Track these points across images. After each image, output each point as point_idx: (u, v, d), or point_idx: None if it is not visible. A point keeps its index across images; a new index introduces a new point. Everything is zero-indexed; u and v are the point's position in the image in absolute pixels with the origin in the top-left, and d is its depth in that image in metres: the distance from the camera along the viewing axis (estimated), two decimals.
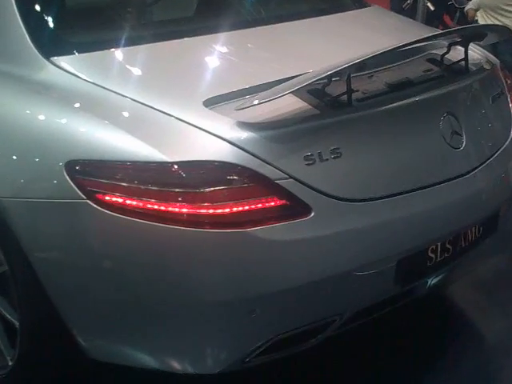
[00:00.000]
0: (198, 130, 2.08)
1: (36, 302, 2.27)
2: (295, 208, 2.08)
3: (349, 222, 2.15)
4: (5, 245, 2.30)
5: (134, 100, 2.18)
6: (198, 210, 2.01)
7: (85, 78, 2.30)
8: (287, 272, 2.08)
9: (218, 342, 2.17)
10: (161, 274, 2.06)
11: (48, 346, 2.35)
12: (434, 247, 2.36)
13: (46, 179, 2.15)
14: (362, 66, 2.25)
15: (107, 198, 2.05)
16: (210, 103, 2.16)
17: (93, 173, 2.08)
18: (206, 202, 2.02)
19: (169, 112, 2.13)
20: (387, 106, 2.31)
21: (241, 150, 2.05)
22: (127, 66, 2.45)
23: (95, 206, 2.05)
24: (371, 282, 2.23)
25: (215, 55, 2.54)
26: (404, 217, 2.25)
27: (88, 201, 2.06)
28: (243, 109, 2.10)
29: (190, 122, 2.10)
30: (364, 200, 2.18)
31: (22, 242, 2.20)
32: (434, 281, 2.50)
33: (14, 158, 2.23)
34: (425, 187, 2.31)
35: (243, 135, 2.07)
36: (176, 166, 2.03)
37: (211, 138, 2.07)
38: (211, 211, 2.02)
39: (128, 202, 2.04)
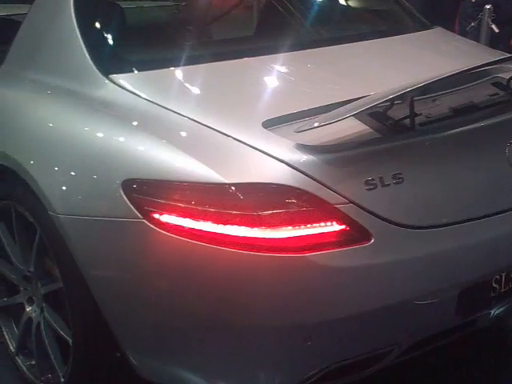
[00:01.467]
0: (256, 151, 2.05)
1: (89, 320, 2.25)
2: (355, 234, 2.03)
3: (410, 249, 2.08)
4: (60, 261, 2.30)
5: (193, 119, 2.16)
6: (255, 233, 1.97)
7: (143, 96, 2.29)
8: (345, 300, 2.02)
9: (271, 368, 2.11)
10: (215, 298, 2.02)
11: (100, 364, 2.33)
12: (498, 277, 2.27)
13: (103, 197, 2.13)
14: (425, 89, 2.19)
15: (164, 217, 2.02)
16: (269, 125, 2.12)
17: (150, 192, 2.06)
18: (263, 225, 1.97)
19: (227, 132, 2.10)
20: (451, 131, 2.24)
21: (300, 173, 2.01)
22: (186, 85, 2.44)
23: (151, 225, 2.03)
24: (431, 312, 2.15)
25: (275, 76, 2.51)
26: (467, 245, 2.17)
27: (144, 220, 2.04)
28: (303, 131, 2.05)
29: (249, 143, 2.06)
30: (426, 227, 2.11)
31: (77, 259, 2.19)
32: (498, 312, 2.40)
33: (72, 174, 2.22)
34: (489, 215, 2.23)
35: (302, 158, 2.03)
36: (233, 188, 1.99)
37: (270, 159, 2.03)
38: (269, 235, 1.97)
39: (184, 222, 2.00)
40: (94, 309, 2.20)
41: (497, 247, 2.24)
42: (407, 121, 2.18)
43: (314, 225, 2.00)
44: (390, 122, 2.20)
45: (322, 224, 2.00)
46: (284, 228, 1.98)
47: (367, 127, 2.18)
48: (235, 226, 1.98)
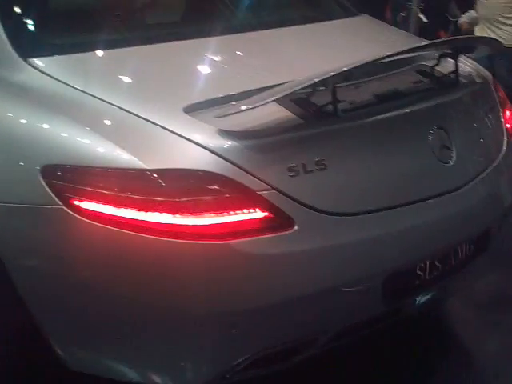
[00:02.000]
0: (177, 137, 2.01)
1: (10, 307, 2.18)
2: (278, 221, 2.01)
3: (333, 236, 2.07)
4: None
5: (114, 105, 2.11)
6: (177, 221, 1.93)
7: (64, 80, 2.22)
8: (269, 287, 2.00)
9: (197, 356, 2.09)
10: (137, 286, 1.98)
11: (23, 353, 2.26)
12: (422, 265, 2.28)
13: (22, 183, 2.07)
14: (348, 75, 2.17)
15: (84, 204, 1.97)
16: (191, 110, 2.08)
17: (69, 178, 2.00)
18: (185, 212, 1.94)
19: (149, 118, 2.06)
20: (374, 118, 2.24)
21: (222, 159, 1.98)
22: (108, 70, 2.37)
23: (71, 212, 1.97)
24: (356, 299, 2.15)
25: (200, 60, 2.46)
26: (391, 232, 2.17)
27: (64, 207, 1.98)
28: (225, 116, 2.02)
29: (170, 128, 2.03)
30: (349, 214, 2.10)
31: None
32: (423, 299, 2.42)
33: None
34: (413, 202, 2.23)
35: (224, 144, 2.00)
36: (155, 174, 1.95)
37: (191, 145, 2.00)
38: (191, 222, 1.94)
39: (105, 209, 1.96)
40: (14, 296, 2.13)
41: (421, 234, 2.24)
42: (330, 107, 2.17)
43: (236, 212, 1.97)
44: (313, 108, 2.18)
45: (245, 211, 1.98)
46: (206, 215, 1.95)
47: (290, 113, 2.16)
48: (157, 213, 1.94)
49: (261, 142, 2.03)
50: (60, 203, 1.98)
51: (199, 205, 1.95)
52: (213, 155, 1.98)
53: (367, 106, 2.27)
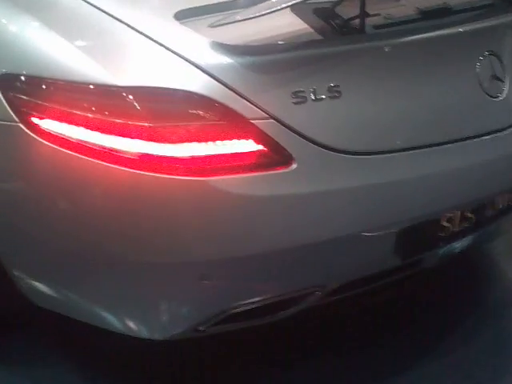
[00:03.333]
0: (160, 48, 1.66)
1: None
2: (273, 156, 1.67)
3: (341, 178, 1.73)
4: None
5: (92, 4, 1.76)
6: (149, 149, 1.62)
7: None
8: (253, 235, 1.68)
9: (167, 305, 1.81)
10: (97, 223, 1.69)
11: None
12: (450, 216, 1.93)
13: None
14: None
15: (43, 123, 1.67)
16: (184, 16, 1.73)
17: (29, 91, 1.69)
18: (160, 139, 1.61)
19: (130, 23, 1.71)
20: (412, 37, 1.84)
21: (210, 78, 1.63)
22: None
23: (28, 131, 1.68)
24: (362, 252, 1.82)
25: None
26: (413, 178, 1.82)
27: (20, 124, 1.68)
28: (221, 25, 1.66)
29: (153, 37, 1.68)
30: (363, 153, 1.75)
31: None
32: (448, 251, 2.07)
33: None
34: (445, 143, 1.86)
35: (216, 59, 1.65)
36: (128, 93, 1.62)
37: (176, 59, 1.65)
38: (166, 152, 1.62)
39: (66, 130, 1.65)
40: None
41: (451, 181, 1.88)
42: (357, 21, 1.78)
43: (223, 143, 1.64)
44: (338, 21, 1.81)
45: (234, 142, 1.65)
46: (185, 144, 1.62)
47: (306, 26, 1.79)
48: (126, 139, 1.62)
49: (261, 59, 1.68)
50: (16, 119, 1.68)
51: (177, 132, 1.62)
52: (199, 72, 1.63)
53: (406, 22, 1.88)
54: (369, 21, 1.82)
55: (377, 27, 1.83)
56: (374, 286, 1.99)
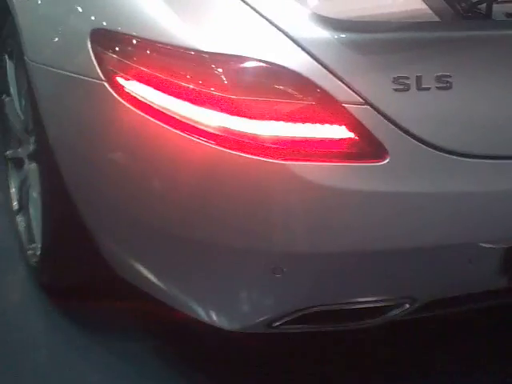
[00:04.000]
0: (259, 17, 1.53)
1: (55, 191, 1.90)
2: (364, 147, 1.50)
3: (441, 181, 1.53)
4: (33, 116, 1.94)
5: None
6: (231, 124, 1.49)
7: None
8: (331, 231, 1.52)
9: (235, 295, 1.68)
10: (169, 193, 1.59)
11: (68, 246, 1.98)
12: None
13: (72, 49, 1.71)
14: None
15: (127, 83, 1.58)
16: None
17: (118, 49, 1.61)
18: (240, 114, 1.48)
19: None
20: None
21: (305, 54, 1.48)
22: None
23: (112, 91, 1.59)
24: (459, 266, 1.61)
25: None
26: None
27: (105, 83, 1.60)
28: None
29: (253, 5, 1.54)
30: (470, 156, 1.53)
31: (44, 117, 1.82)
32: None
33: (50, 18, 1.81)
34: None
35: (314, 34, 1.49)
36: (215, 60, 1.50)
37: (272, 30, 1.51)
38: (245, 128, 1.48)
39: (149, 94, 1.55)
40: (59, 181, 1.84)
41: None
42: (484, 5, 1.57)
43: (309, 125, 1.49)
44: (463, 3, 1.59)
45: (321, 127, 1.49)
46: (268, 122, 1.48)
47: (425, 5, 1.59)
48: (208, 110, 1.50)
49: (363, 37, 1.50)
50: (103, 77, 1.60)
51: (262, 108, 1.48)
52: (294, 46, 1.49)
53: None
54: (502, 7, 1.60)
55: (510, 15, 1.60)
56: (473, 308, 1.76)
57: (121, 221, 1.76)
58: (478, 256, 1.61)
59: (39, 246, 2.09)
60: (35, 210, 2.13)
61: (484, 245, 1.59)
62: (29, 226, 2.22)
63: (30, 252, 2.18)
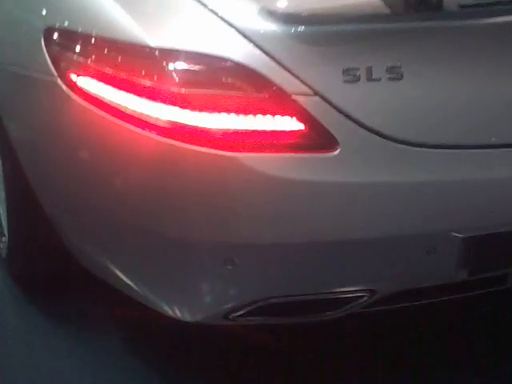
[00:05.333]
0: (204, 9, 1.54)
1: (16, 182, 1.92)
2: (315, 138, 1.50)
3: (392, 171, 1.53)
4: None
5: None
6: (180, 117, 1.49)
7: None
8: (282, 222, 1.51)
9: (191, 287, 1.67)
10: (121, 186, 1.60)
11: (33, 240, 2.00)
12: None
13: (27, 47, 1.74)
14: None
15: (80, 80, 1.59)
16: None
17: (69, 46, 1.62)
18: (190, 107, 1.49)
19: None
20: (500, 19, 1.59)
21: (253, 46, 1.49)
22: None
23: (64, 87, 1.60)
24: (415, 258, 1.61)
25: None
26: (484, 179, 1.58)
27: (58, 79, 1.61)
28: None
29: None
30: (420, 145, 1.53)
31: (2, 115, 1.84)
32: None
33: (2, 19, 1.83)
34: None
35: (261, 26, 1.50)
36: (162, 54, 1.50)
37: (218, 22, 1.52)
38: (194, 121, 1.49)
39: (100, 89, 1.56)
40: (22, 178, 1.85)
41: None
42: None
43: (259, 117, 1.49)
44: None
45: (271, 118, 1.49)
46: (216, 115, 1.49)
47: None
48: (157, 104, 1.51)
49: (312, 29, 1.51)
50: (55, 74, 1.61)
51: (209, 101, 1.48)
52: (241, 38, 1.49)
53: (502, 3, 1.63)
54: None
55: (463, 6, 1.60)
56: (435, 301, 1.75)
57: (82, 216, 1.77)
58: (436, 247, 1.60)
59: (7, 239, 2.10)
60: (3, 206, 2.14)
61: (441, 235, 1.59)
62: None
63: (1, 245, 2.19)
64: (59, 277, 2.09)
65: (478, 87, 1.57)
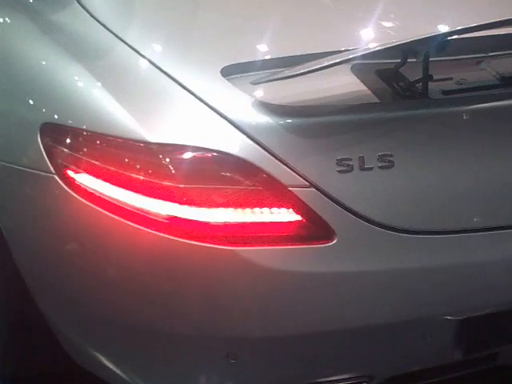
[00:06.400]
0: (201, 105, 1.56)
1: (8, 278, 1.88)
2: (312, 229, 1.52)
3: (388, 259, 1.55)
4: None
5: (142, 55, 1.69)
6: (176, 212, 1.50)
7: (100, 18, 1.82)
8: (284, 314, 1.53)
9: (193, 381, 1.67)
10: (119, 283, 1.60)
11: (26, 338, 1.96)
12: None
13: (22, 141, 1.72)
14: (447, 43, 1.60)
15: (78, 177, 1.59)
16: (230, 72, 1.62)
17: (67, 142, 1.63)
18: (188, 202, 1.50)
19: (174, 76, 1.62)
20: (487, 105, 1.64)
21: (249, 140, 1.51)
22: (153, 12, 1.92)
23: (63, 184, 1.60)
24: (413, 342, 1.63)
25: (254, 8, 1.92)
26: (478, 262, 1.61)
27: (55, 176, 1.61)
28: (265, 82, 1.55)
29: (196, 93, 1.58)
30: (415, 232, 1.56)
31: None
32: None
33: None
34: None
35: (257, 120, 1.53)
36: (160, 150, 1.52)
37: (214, 117, 1.54)
38: (194, 216, 1.50)
39: (99, 186, 1.57)
40: (15, 273, 1.82)
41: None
42: (423, 84, 1.62)
43: (257, 210, 1.51)
44: (401, 83, 1.65)
45: (269, 211, 1.51)
46: (214, 210, 1.50)
47: (364, 87, 1.65)
48: (156, 200, 1.52)
49: (305, 121, 1.54)
50: (53, 171, 1.62)
51: (209, 195, 1.50)
52: (237, 132, 1.52)
53: (481, 88, 1.69)
54: (438, 85, 1.66)
55: (446, 92, 1.66)
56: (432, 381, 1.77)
57: (77, 311, 1.75)
58: (432, 330, 1.62)
59: None
60: None
61: (436, 319, 1.61)
62: None
63: None
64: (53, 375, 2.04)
65: (465, 172, 1.61)
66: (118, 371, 1.76)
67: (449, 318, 1.61)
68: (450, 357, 1.68)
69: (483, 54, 1.79)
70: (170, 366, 1.66)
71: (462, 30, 1.55)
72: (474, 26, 1.57)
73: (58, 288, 1.74)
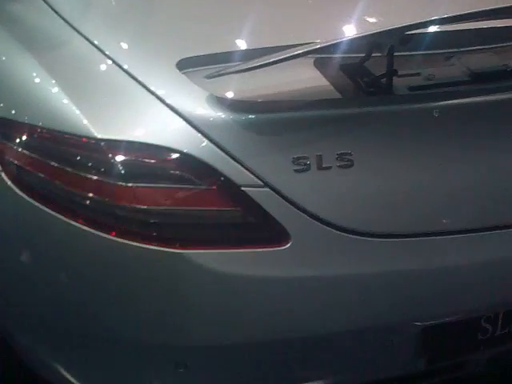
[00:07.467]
0: (151, 98, 1.48)
1: None
2: (265, 231, 1.44)
3: (346, 262, 1.47)
4: None
5: (98, 48, 1.61)
6: (119, 211, 1.42)
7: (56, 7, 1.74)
8: (234, 321, 1.45)
9: None
10: (70, 291, 1.51)
11: None
12: (490, 316, 1.62)
13: None
14: (413, 36, 1.52)
15: (21, 172, 1.52)
16: (186, 66, 1.53)
17: (8, 135, 1.54)
18: (133, 201, 1.42)
19: (126, 68, 1.54)
20: (453, 101, 1.56)
21: (201, 136, 1.43)
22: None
23: (6, 179, 1.52)
24: (373, 351, 1.55)
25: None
26: (438, 267, 1.53)
27: (2, 172, 1.53)
28: (219, 76, 1.46)
29: (148, 86, 1.49)
30: (375, 235, 1.48)
31: None
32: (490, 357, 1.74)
33: None
34: (485, 230, 1.56)
35: (209, 115, 1.44)
36: (104, 146, 1.44)
37: (164, 111, 1.46)
38: (137, 216, 1.42)
39: (40, 182, 1.49)
40: None
41: (492, 275, 1.58)
42: (387, 80, 1.54)
43: (205, 210, 1.43)
44: (366, 79, 1.57)
45: (219, 211, 1.43)
46: (161, 209, 1.42)
47: (326, 82, 1.56)
48: (98, 198, 1.44)
49: (260, 117, 1.46)
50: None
51: (153, 194, 1.42)
52: (188, 128, 1.43)
53: (450, 84, 1.61)
54: (405, 80, 1.58)
55: (413, 88, 1.57)
56: None
57: (25, 314, 1.67)
58: (393, 338, 1.54)
59: None
60: None
61: (399, 325, 1.53)
62: None
63: None
64: None
65: (429, 173, 1.53)
66: (68, 377, 1.68)
67: (412, 323, 1.54)
68: (414, 365, 1.61)
69: (454, 49, 1.71)
70: (111, 372, 1.58)
71: (426, 22, 1.47)
72: (442, 18, 1.49)
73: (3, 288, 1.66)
